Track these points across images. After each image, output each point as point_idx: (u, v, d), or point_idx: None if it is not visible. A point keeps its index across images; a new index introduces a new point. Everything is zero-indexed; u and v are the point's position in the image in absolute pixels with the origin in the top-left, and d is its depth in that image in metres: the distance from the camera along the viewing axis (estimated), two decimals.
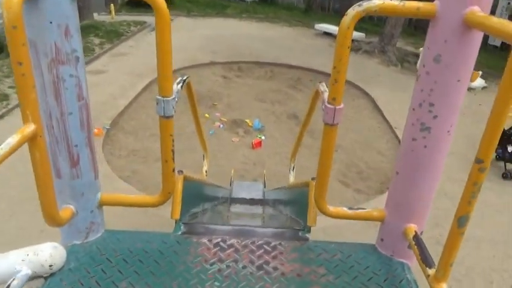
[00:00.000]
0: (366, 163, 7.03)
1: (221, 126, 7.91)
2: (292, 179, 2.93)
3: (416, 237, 1.30)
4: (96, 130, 6.95)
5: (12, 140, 1.00)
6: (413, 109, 1.22)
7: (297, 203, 2.41)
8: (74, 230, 1.44)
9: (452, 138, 1.23)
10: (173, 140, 1.38)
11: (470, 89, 10.34)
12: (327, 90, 1.90)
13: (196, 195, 2.54)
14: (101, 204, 1.49)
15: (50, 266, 1.24)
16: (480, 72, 10.41)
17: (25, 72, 1.00)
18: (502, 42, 13.86)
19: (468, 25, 1.04)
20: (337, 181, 6.43)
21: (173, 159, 1.40)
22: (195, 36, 13.42)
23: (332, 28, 14.76)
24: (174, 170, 1.44)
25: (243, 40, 13.44)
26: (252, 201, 5.23)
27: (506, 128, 6.66)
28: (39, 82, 1.17)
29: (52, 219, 1.22)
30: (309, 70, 11.15)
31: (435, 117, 1.17)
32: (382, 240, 1.49)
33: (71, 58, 1.17)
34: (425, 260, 1.20)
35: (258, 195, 5.39)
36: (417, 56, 12.07)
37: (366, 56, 12.64)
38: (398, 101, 9.42)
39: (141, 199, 1.53)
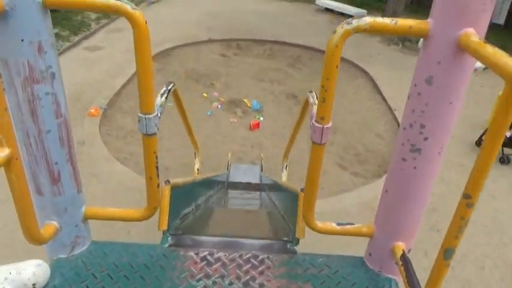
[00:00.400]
0: (364, 146, 7.01)
1: (219, 106, 7.84)
2: (284, 178, 2.90)
3: (404, 257, 1.29)
4: (93, 110, 6.91)
5: None
6: (404, 128, 1.18)
7: (288, 206, 2.38)
8: (59, 245, 1.42)
9: (443, 159, 1.20)
10: (157, 157, 1.34)
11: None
12: (317, 103, 1.86)
13: (187, 197, 2.52)
14: (85, 218, 1.46)
15: (34, 284, 1.22)
16: None
17: None
18: (506, 21, 13.57)
19: (461, 48, 0.99)
20: (334, 164, 6.43)
21: (158, 175, 1.37)
22: (192, 13, 13.14)
23: (334, 4, 14.45)
24: (158, 186, 1.41)
25: (241, 16, 13.16)
26: (249, 186, 5.24)
27: None
28: (13, 101, 1.13)
29: (33, 238, 1.20)
30: (309, 48, 10.96)
31: (426, 139, 1.14)
32: (370, 254, 1.48)
33: (46, 75, 1.12)
34: (411, 283, 1.19)
35: (255, 178, 5.40)
36: None
37: (366, 33, 12.38)
38: (398, 81, 9.31)
39: (127, 213, 1.51)
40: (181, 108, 2.87)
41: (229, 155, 5.69)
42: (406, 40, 12.07)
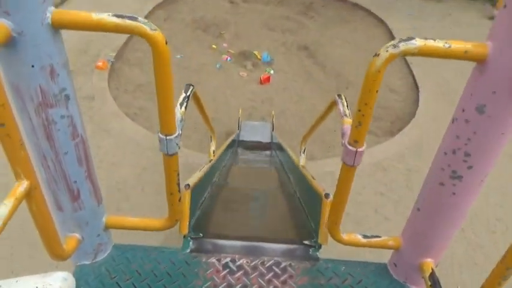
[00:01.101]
0: (377, 101, 6.76)
1: (228, 59, 7.61)
2: (302, 162, 2.83)
3: (433, 277, 1.26)
4: (100, 63, 6.75)
5: (6, 207, 0.92)
6: (445, 154, 1.10)
7: (308, 201, 2.33)
8: (82, 253, 1.41)
9: (485, 184, 1.13)
10: (178, 174, 1.28)
11: (494, 18, 9.67)
12: (344, 105, 1.75)
13: (203, 187, 2.48)
14: (106, 228, 1.44)
15: None
16: None
17: (9, 132, 0.88)
18: None
19: None
20: None
21: (179, 190, 1.32)
22: None
23: None
24: (179, 199, 1.37)
25: None
26: (260, 145, 5.22)
27: None
28: (28, 126, 1.06)
29: (57, 255, 1.18)
30: None
31: (470, 167, 1.06)
32: (395, 265, 1.45)
33: (60, 98, 1.04)
34: None
35: (266, 137, 5.36)
36: None
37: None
38: (417, 32, 8.90)
39: (148, 223, 1.48)
40: (202, 108, 2.76)
41: (240, 112, 5.60)
42: None
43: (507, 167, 5.39)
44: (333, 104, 2.22)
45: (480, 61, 0.94)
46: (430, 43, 0.93)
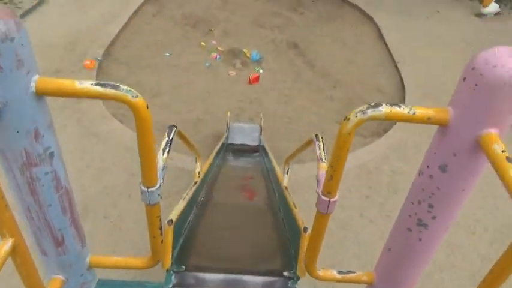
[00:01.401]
0: (364, 101, 6.91)
1: (218, 57, 7.60)
2: (286, 182, 2.87)
3: None
4: (88, 62, 6.71)
5: None
6: (412, 203, 1.17)
7: (291, 228, 2.39)
8: None
9: (450, 230, 1.20)
10: (160, 219, 1.33)
11: (481, 15, 9.79)
12: (320, 148, 1.81)
13: (188, 212, 2.51)
14: (90, 267, 1.48)
15: None
16: None
17: None
18: None
19: (481, 147, 0.95)
20: (333, 122, 6.40)
21: (161, 233, 1.37)
22: None
23: None
24: (162, 242, 1.42)
25: None
26: (248, 148, 5.27)
27: None
28: (12, 184, 1.09)
29: None
30: None
31: (434, 217, 1.13)
32: None
33: (44, 157, 1.08)
34: None
35: (254, 140, 5.41)
36: None
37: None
38: (406, 29, 8.98)
39: (131, 262, 1.52)
40: (186, 141, 2.76)
41: (228, 115, 5.63)
42: None
43: (488, 169, 5.50)
44: (309, 142, 2.29)
45: (442, 125, 1.00)
46: (396, 110, 0.99)
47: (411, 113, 0.99)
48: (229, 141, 5.28)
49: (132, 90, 1.04)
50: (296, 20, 9.26)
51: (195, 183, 2.72)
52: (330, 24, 9.18)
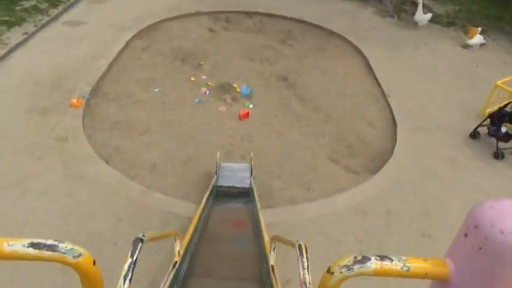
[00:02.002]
0: (355, 135, 6.87)
1: (207, 92, 7.55)
2: (272, 260, 2.70)
3: None
4: (75, 100, 6.60)
5: None
6: None
7: None
8: None
9: None
10: None
11: (468, 46, 9.94)
12: (304, 267, 1.68)
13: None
14: None
15: None
16: (479, 29, 9.93)
17: None
18: None
19: None
20: (325, 158, 6.32)
21: None
22: None
23: None
24: None
25: None
26: (238, 191, 5.12)
27: (502, 105, 6.47)
28: None
29: None
30: (300, 22, 10.52)
31: None
32: None
33: None
34: None
35: (245, 182, 5.26)
36: (415, 4, 11.39)
37: (361, 3, 11.91)
38: (394, 61, 9.08)
39: None
40: (164, 236, 2.56)
41: (218, 155, 5.51)
42: (401, 10, 11.66)
43: None
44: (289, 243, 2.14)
45: (442, 280, 0.92)
46: (387, 266, 0.88)
47: (405, 268, 0.89)
48: (219, 184, 5.14)
49: (74, 247, 0.93)
50: (285, 52, 9.31)
51: (175, 263, 2.52)
52: (318, 56, 9.24)
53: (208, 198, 4.40)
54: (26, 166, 5.36)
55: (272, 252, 2.60)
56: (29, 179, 5.18)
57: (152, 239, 2.16)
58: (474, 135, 6.71)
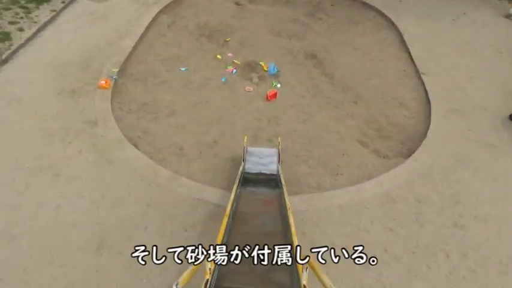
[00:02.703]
0: (386, 117, 6.63)
1: (234, 71, 7.41)
2: (305, 280, 2.56)
3: None
4: (103, 82, 6.63)
5: None
6: None
7: None
8: None
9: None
10: None
11: (510, 16, 9.27)
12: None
13: None
14: None
15: None
16: None
17: None
18: None
19: None
20: (355, 141, 6.16)
21: None
22: None
23: None
24: None
25: None
26: (265, 180, 5.07)
27: None
28: None
29: None
30: None
31: None
32: None
33: None
34: None
35: (272, 168, 5.19)
36: None
37: None
38: (430, 35, 8.59)
39: None
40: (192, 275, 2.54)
41: (245, 140, 5.44)
42: None
43: None
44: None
45: None
46: None
47: None
48: (246, 171, 5.10)
49: None
50: (314, 26, 8.95)
51: (206, 282, 2.47)
52: (349, 30, 8.84)
53: (236, 189, 4.37)
54: (57, 150, 5.48)
55: (305, 272, 2.55)
56: (61, 163, 5.31)
57: (185, 282, 2.27)
58: None
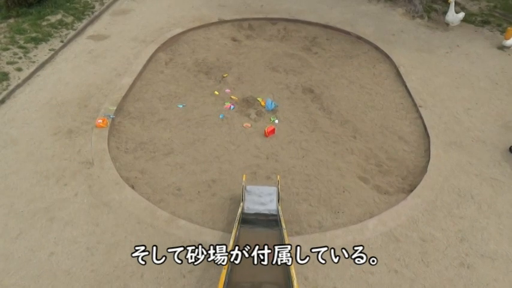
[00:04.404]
0: (386, 152, 6.59)
1: (232, 107, 7.41)
2: None
3: None
4: (100, 121, 6.60)
5: None
6: None
7: None
8: None
9: None
10: None
11: (504, 47, 9.41)
12: None
13: None
14: None
15: None
16: None
17: None
18: None
19: None
20: (355, 177, 6.08)
21: None
22: None
23: None
24: None
25: None
26: (265, 220, 4.96)
27: None
28: None
29: None
30: (326, 27, 10.21)
31: None
32: None
33: None
34: None
35: (272, 207, 5.09)
36: (446, 2, 10.87)
37: (389, 4, 11.46)
38: (425, 67, 8.68)
39: None
40: None
41: (244, 178, 5.36)
42: (431, 10, 11.14)
43: None
44: None
45: None
46: None
47: None
48: (245, 211, 4.99)
49: None
50: (311, 61, 9.04)
51: None
52: (345, 64, 8.93)
53: (236, 233, 4.26)
54: (53, 193, 5.39)
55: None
56: (56, 206, 5.20)
57: None
58: None
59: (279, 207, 4.99)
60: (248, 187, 5.36)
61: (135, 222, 5.03)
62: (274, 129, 6.84)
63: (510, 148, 6.35)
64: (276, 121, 7.14)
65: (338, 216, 5.35)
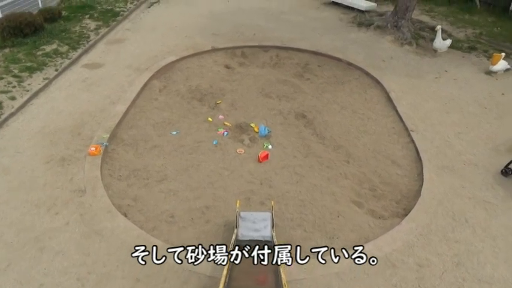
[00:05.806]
0: (379, 176, 6.61)
1: (225, 133, 7.44)
2: None
3: None
4: (93, 148, 6.57)
5: None
6: None
7: None
8: None
9: None
10: None
11: (491, 72, 9.63)
12: None
13: None
14: None
15: None
16: (503, 54, 9.63)
17: None
18: None
19: None
20: (349, 201, 6.06)
21: None
22: (193, 14, 12.60)
23: None
24: None
25: (244, 16, 12.59)
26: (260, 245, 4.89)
27: None
28: None
29: None
30: (317, 54, 10.42)
31: None
32: None
33: None
34: None
35: (266, 233, 5.04)
36: (433, 30, 11.19)
37: (378, 32, 11.76)
38: (414, 92, 8.84)
39: None
40: None
41: (238, 205, 5.33)
42: (419, 37, 11.43)
43: None
44: None
45: None
46: None
47: None
48: (239, 237, 4.94)
49: None
50: (303, 87, 9.18)
51: None
52: (337, 90, 9.07)
53: (229, 259, 4.19)
54: (43, 222, 5.30)
55: None
56: (46, 236, 5.11)
57: None
58: (506, 172, 6.37)
59: (274, 234, 4.94)
60: (242, 213, 5.32)
61: (128, 251, 4.92)
62: (267, 154, 6.86)
63: (502, 171, 6.41)
64: (270, 147, 7.16)
65: (333, 242, 5.30)
